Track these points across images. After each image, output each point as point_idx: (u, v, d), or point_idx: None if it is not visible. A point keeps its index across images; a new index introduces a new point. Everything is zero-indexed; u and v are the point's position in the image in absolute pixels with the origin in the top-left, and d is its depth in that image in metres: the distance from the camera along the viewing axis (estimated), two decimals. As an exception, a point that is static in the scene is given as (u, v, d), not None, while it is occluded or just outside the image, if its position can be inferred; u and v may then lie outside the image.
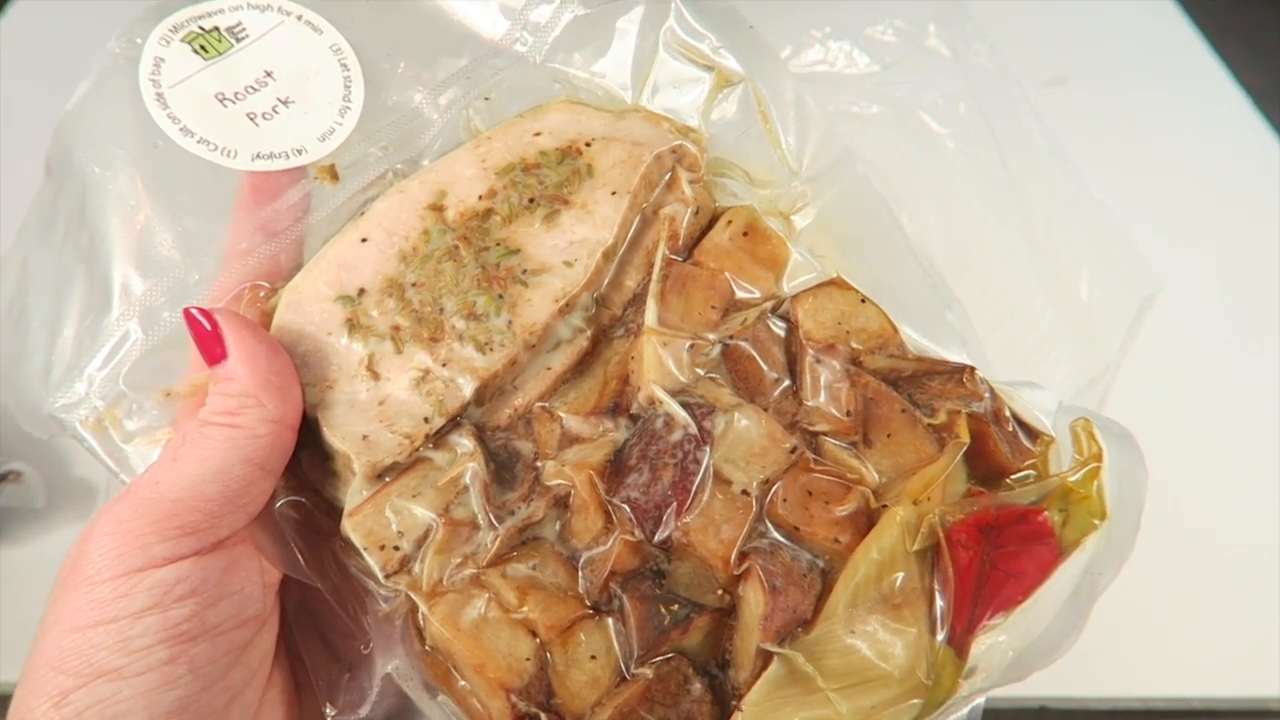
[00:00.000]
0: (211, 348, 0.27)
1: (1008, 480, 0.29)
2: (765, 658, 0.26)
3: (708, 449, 0.28)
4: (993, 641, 0.27)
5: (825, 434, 0.29)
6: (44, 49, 0.88)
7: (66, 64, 0.90)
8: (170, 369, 0.30)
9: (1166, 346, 0.60)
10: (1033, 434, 0.30)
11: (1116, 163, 0.76)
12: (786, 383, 0.30)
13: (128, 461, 0.30)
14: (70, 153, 0.31)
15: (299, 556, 0.29)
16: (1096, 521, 0.28)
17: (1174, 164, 0.80)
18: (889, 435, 0.29)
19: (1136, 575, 0.59)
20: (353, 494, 0.28)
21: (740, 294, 0.31)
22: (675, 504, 0.27)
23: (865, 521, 0.27)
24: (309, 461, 0.29)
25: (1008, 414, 0.30)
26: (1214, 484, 0.60)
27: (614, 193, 0.31)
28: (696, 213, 0.32)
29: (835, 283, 0.31)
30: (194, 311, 0.27)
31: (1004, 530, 0.28)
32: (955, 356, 0.31)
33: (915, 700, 0.27)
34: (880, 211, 0.34)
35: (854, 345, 0.30)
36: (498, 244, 0.30)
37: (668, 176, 0.32)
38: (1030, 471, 0.30)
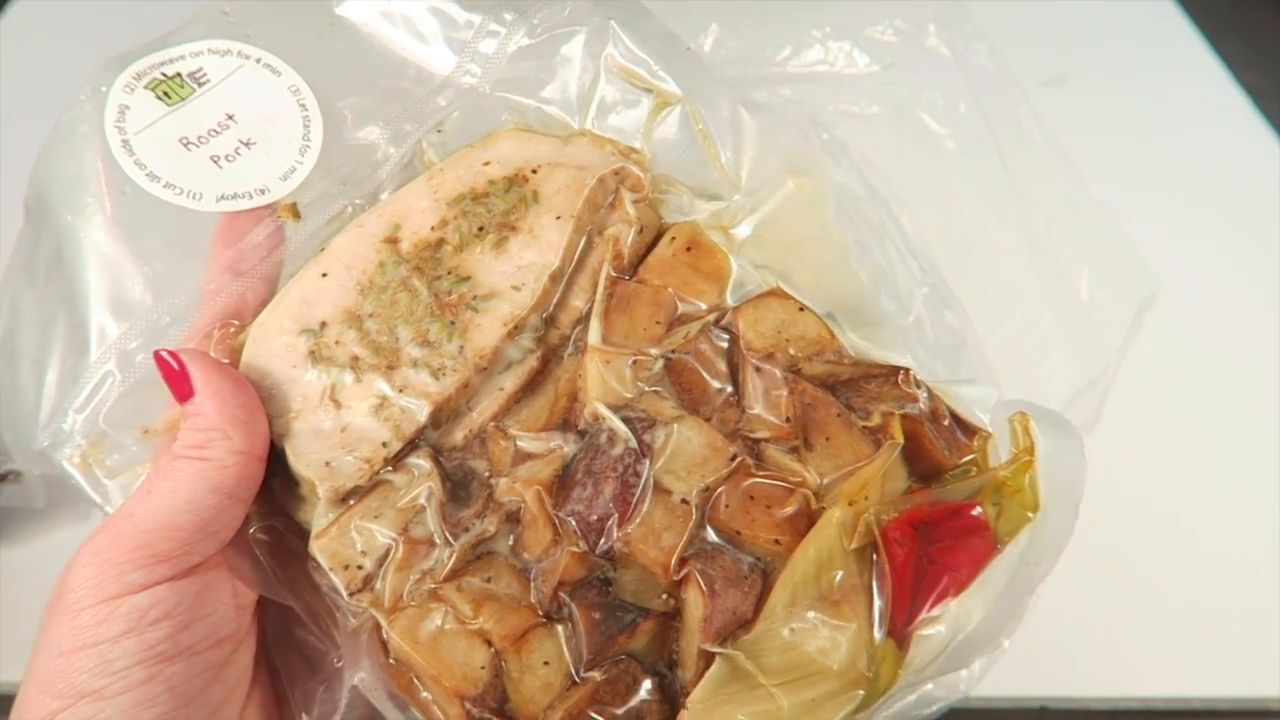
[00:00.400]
0: (180, 386, 0.29)
1: (945, 477, 0.30)
2: (708, 657, 0.27)
3: (647, 462, 0.29)
4: (931, 632, 0.28)
5: (767, 440, 0.30)
6: (44, 49, 0.88)
7: (67, 64, 0.90)
8: (147, 407, 0.31)
9: (1166, 346, 0.60)
10: (970, 430, 0.31)
11: (1116, 162, 0.76)
12: (729, 392, 0.31)
13: (110, 495, 0.32)
14: (44, 198, 0.33)
15: (273, 577, 0.30)
16: (1030, 514, 0.29)
17: (1174, 164, 0.80)
18: (828, 439, 0.30)
19: (1137, 575, 0.60)
20: (318, 517, 0.30)
21: (685, 308, 0.32)
22: (617, 515, 0.28)
23: (806, 523, 0.28)
24: (280, 488, 0.31)
25: (944, 412, 0.31)
26: (1214, 484, 0.60)
27: (558, 217, 0.32)
28: (641, 231, 0.33)
29: (774, 293, 0.32)
30: (163, 353, 0.29)
31: (938, 526, 0.29)
32: (898, 359, 0.32)
33: (857, 691, 0.27)
34: (817, 216, 0.35)
35: (793, 353, 0.31)
36: (449, 272, 0.32)
37: (611, 198, 0.33)
38: (971, 468, 0.30)
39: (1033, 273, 0.59)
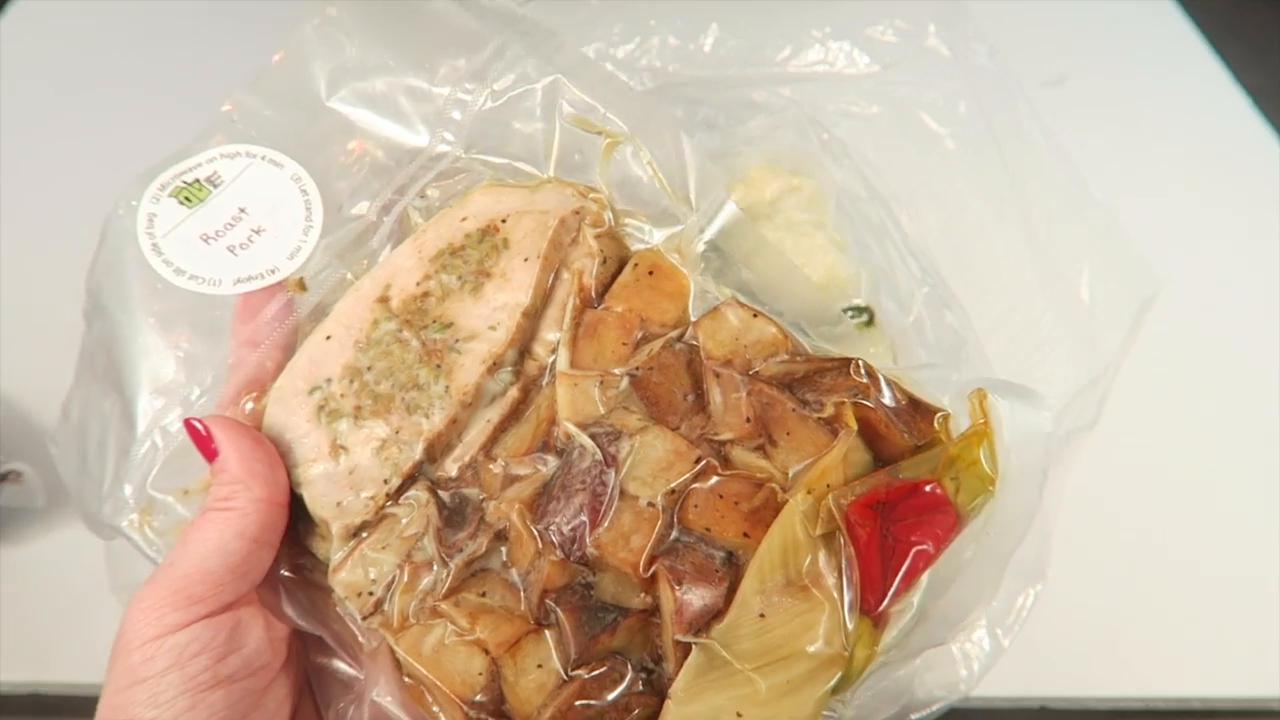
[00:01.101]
0: (206, 448, 0.33)
1: (905, 458, 0.32)
2: (686, 648, 0.29)
3: (613, 471, 0.31)
4: (902, 606, 0.30)
5: (732, 441, 0.32)
6: (44, 49, 0.88)
7: (67, 64, 0.90)
8: (188, 472, 0.36)
9: (1167, 346, 0.60)
10: (929, 412, 0.32)
11: (1116, 162, 0.76)
12: (694, 400, 0.33)
13: (161, 552, 0.36)
14: (96, 302, 0.38)
15: (302, 610, 0.34)
16: (989, 486, 0.30)
17: (1174, 164, 0.80)
18: (788, 434, 0.32)
19: (1137, 575, 0.60)
20: (334, 553, 0.33)
21: (650, 328, 0.35)
22: (588, 523, 0.31)
23: (773, 516, 0.30)
24: (303, 531, 0.34)
25: (900, 396, 0.32)
26: (1214, 483, 0.60)
27: (526, 259, 0.35)
28: (605, 262, 0.36)
29: (730, 303, 0.34)
30: (192, 422, 0.33)
31: (898, 505, 0.30)
32: (852, 353, 0.34)
33: (835, 671, 0.29)
34: (757, 231, 0.38)
35: (750, 357, 0.33)
36: (434, 321, 0.35)
37: (575, 235, 0.37)
38: (931, 447, 0.32)
39: (1033, 272, 0.59)
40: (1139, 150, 0.80)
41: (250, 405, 0.36)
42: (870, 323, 0.55)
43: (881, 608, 0.29)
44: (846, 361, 0.33)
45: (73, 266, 0.40)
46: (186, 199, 0.38)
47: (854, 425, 0.31)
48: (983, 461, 0.30)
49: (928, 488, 0.30)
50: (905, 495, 0.30)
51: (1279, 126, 0.82)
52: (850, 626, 0.29)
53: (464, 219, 0.37)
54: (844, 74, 0.70)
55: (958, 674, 0.48)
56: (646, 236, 0.37)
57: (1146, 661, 0.53)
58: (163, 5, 0.89)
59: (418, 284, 0.36)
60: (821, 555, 0.30)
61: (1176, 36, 0.92)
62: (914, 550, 0.29)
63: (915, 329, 0.57)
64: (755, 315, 0.34)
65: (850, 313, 0.55)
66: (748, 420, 0.32)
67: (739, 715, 0.29)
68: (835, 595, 0.29)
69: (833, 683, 0.29)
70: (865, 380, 0.32)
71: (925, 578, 0.30)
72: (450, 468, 0.34)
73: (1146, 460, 0.61)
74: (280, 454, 0.34)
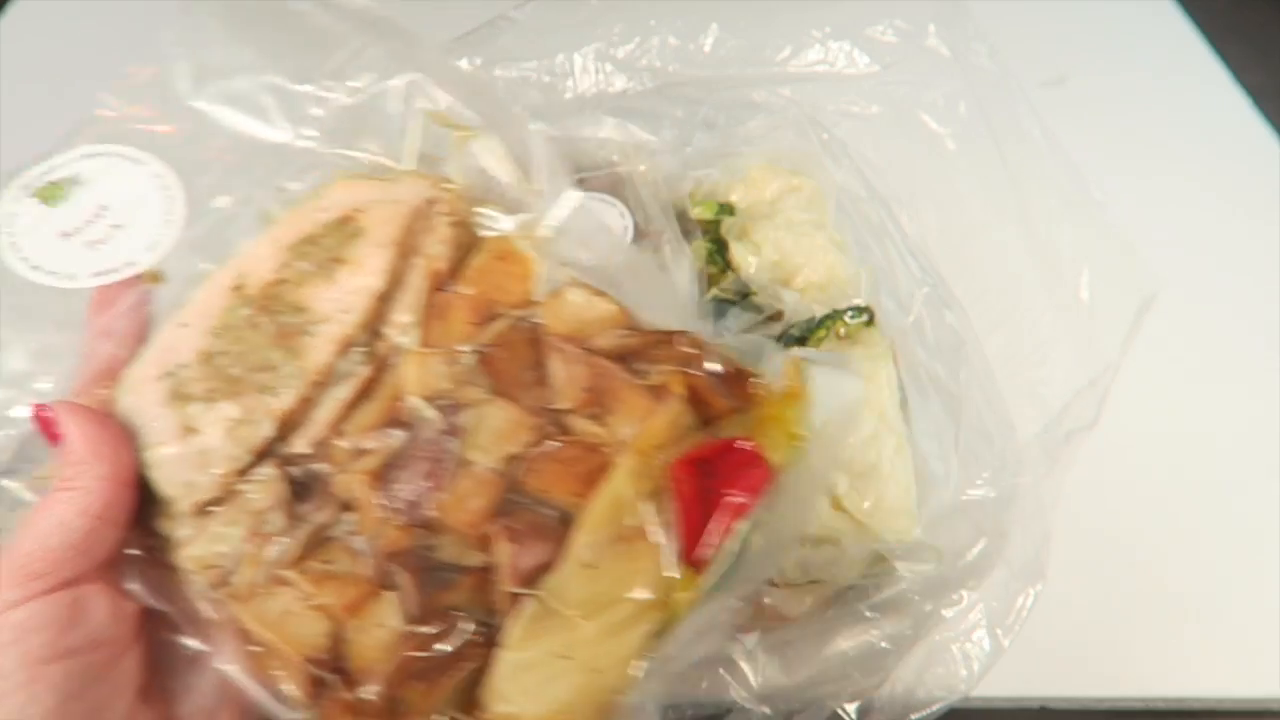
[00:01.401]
0: (52, 432, 0.35)
1: (729, 416, 0.36)
2: (519, 601, 0.33)
3: (455, 440, 0.35)
4: (720, 553, 0.34)
5: (570, 411, 0.36)
6: (44, 49, 0.88)
7: (66, 64, 0.90)
8: (38, 460, 0.37)
9: (1167, 346, 0.60)
10: (747, 376, 0.37)
11: (1116, 162, 0.77)
12: (536, 374, 0.36)
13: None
14: None
15: (150, 588, 0.36)
16: (799, 444, 0.35)
17: (1174, 164, 0.81)
18: (620, 402, 0.35)
19: (1137, 575, 0.60)
20: (183, 529, 0.36)
21: (499, 309, 0.38)
22: (430, 488, 0.34)
23: (605, 477, 0.34)
24: (155, 512, 0.37)
25: (723, 365, 0.36)
26: (1214, 483, 0.61)
27: (379, 245, 0.38)
28: (457, 248, 0.39)
29: (572, 283, 0.38)
30: (38, 407, 0.36)
31: (715, 461, 0.34)
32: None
33: (657, 613, 0.33)
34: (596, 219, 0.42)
35: (589, 332, 0.37)
36: (288, 307, 0.38)
37: (428, 223, 0.39)
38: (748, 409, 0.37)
39: (1032, 272, 0.60)
40: (1139, 150, 0.81)
41: (103, 394, 0.38)
42: (870, 322, 0.55)
43: (701, 555, 0.33)
44: (671, 333, 0.37)
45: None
46: (47, 198, 0.41)
47: (680, 391, 0.36)
48: (793, 421, 0.35)
49: (743, 445, 0.34)
50: (721, 452, 0.34)
51: (1279, 126, 0.82)
52: (672, 574, 0.33)
53: (321, 210, 0.40)
54: (844, 74, 0.71)
55: (958, 674, 0.48)
56: (498, 224, 0.41)
57: (1146, 661, 0.53)
58: (163, 5, 0.89)
59: (273, 272, 0.39)
60: (648, 510, 0.34)
61: (1176, 36, 0.93)
62: (730, 502, 0.33)
63: (915, 329, 0.57)
64: (595, 294, 0.38)
65: (850, 313, 0.55)
66: (584, 391, 0.36)
67: (567, 657, 0.32)
68: (659, 545, 0.33)
69: (656, 625, 0.33)
70: (692, 351, 0.36)
71: (742, 525, 0.34)
72: (301, 444, 0.37)
73: (1146, 460, 0.61)
74: (130, 437, 0.36)
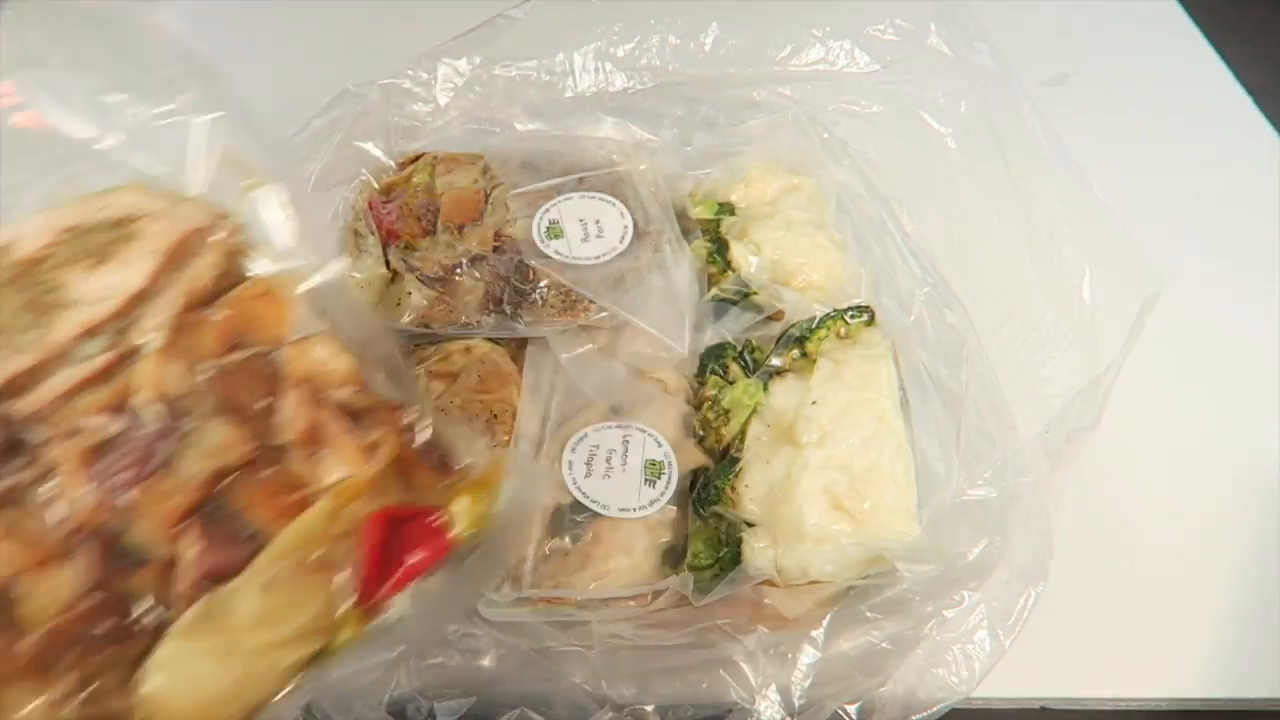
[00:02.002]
0: None
1: (426, 489, 0.40)
2: (193, 599, 0.35)
3: (172, 442, 0.37)
4: (392, 604, 0.37)
5: (289, 446, 0.38)
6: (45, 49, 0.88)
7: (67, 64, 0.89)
8: None
9: (1168, 346, 0.60)
10: (454, 458, 0.41)
11: (1118, 162, 0.77)
12: (266, 405, 0.39)
13: None
14: None
15: None
16: (480, 525, 0.39)
17: (1175, 163, 0.81)
18: (335, 449, 0.38)
19: (1137, 575, 0.59)
20: None
21: (249, 339, 0.41)
22: (134, 478, 0.36)
23: (304, 511, 0.37)
24: None
25: (436, 442, 0.40)
26: (1214, 483, 0.61)
27: (148, 253, 0.41)
28: (222, 275, 0.42)
29: (322, 334, 0.41)
30: None
31: (405, 524, 0.38)
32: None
33: (316, 641, 0.36)
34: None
35: (323, 382, 0.40)
36: (45, 280, 0.40)
37: (202, 247, 0.42)
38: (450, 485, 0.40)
39: (1034, 272, 0.59)
40: (1140, 149, 0.81)
41: None
42: (870, 322, 0.55)
43: (372, 603, 0.37)
44: (396, 405, 0.41)
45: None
46: None
47: (391, 454, 0.39)
48: (482, 506, 0.39)
49: (433, 517, 0.38)
50: (414, 518, 0.38)
51: (1280, 125, 0.82)
52: (341, 612, 0.36)
53: (103, 207, 0.42)
54: (845, 73, 0.71)
55: (958, 674, 0.47)
56: (266, 267, 0.43)
57: (1146, 661, 0.53)
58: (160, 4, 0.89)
59: (42, 247, 0.41)
60: (334, 550, 0.36)
61: (1178, 35, 0.93)
62: (409, 562, 0.37)
63: (916, 328, 0.57)
64: (340, 351, 0.41)
65: (850, 313, 0.55)
66: (305, 431, 0.38)
67: (224, 658, 0.34)
68: (336, 585, 0.36)
69: (312, 650, 0.36)
70: (410, 423, 0.40)
71: (413, 585, 0.38)
72: (26, 406, 0.38)
73: (1148, 460, 0.61)
74: None
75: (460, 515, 0.40)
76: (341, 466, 0.39)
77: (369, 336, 0.44)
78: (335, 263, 0.44)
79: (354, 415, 0.41)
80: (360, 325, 0.44)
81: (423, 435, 0.41)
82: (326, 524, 0.37)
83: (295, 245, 0.43)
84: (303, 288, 0.43)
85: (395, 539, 0.38)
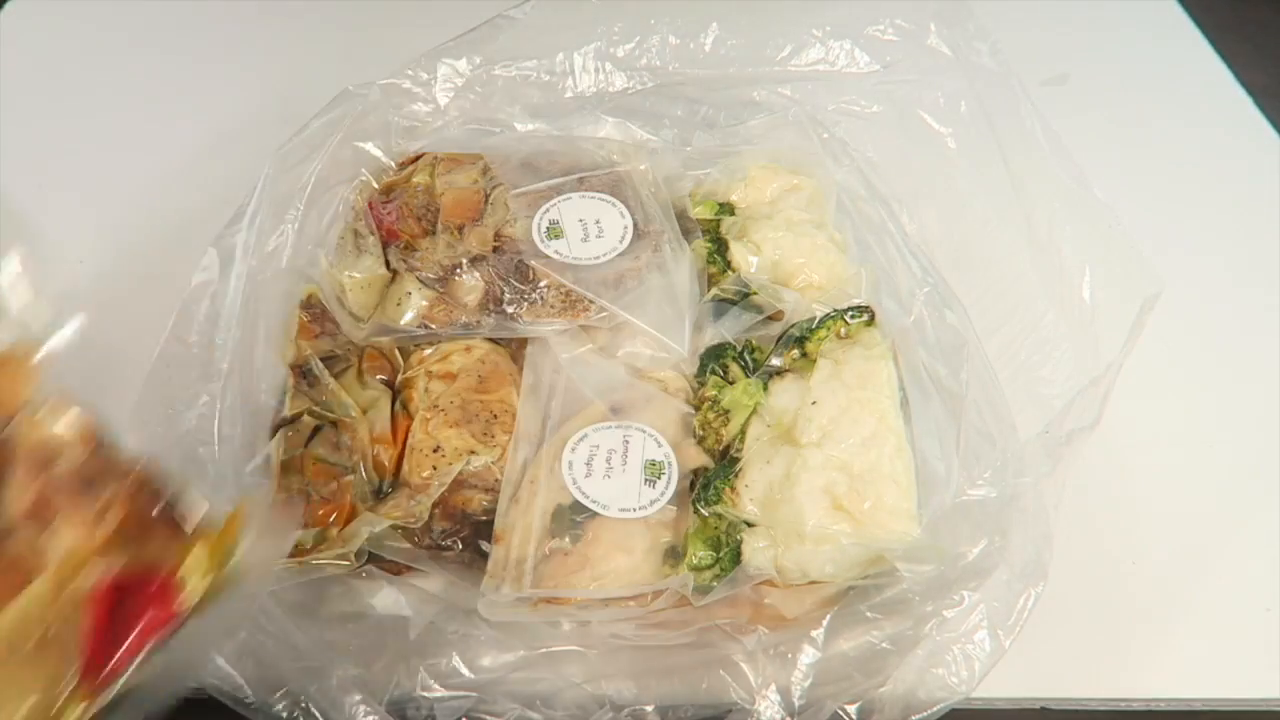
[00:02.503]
0: None
1: (158, 552, 0.39)
2: None
3: None
4: (125, 672, 0.36)
5: (16, 522, 0.37)
6: (44, 49, 0.88)
7: (66, 63, 0.90)
8: None
9: (1169, 346, 0.60)
10: (184, 518, 0.40)
11: (1118, 162, 0.77)
12: None
13: None
14: None
15: None
16: (216, 581, 0.38)
17: (1176, 163, 0.81)
18: (64, 518, 0.37)
19: (1138, 575, 0.59)
20: None
21: None
22: None
23: (25, 588, 0.36)
24: None
25: (162, 498, 0.40)
26: (1215, 484, 0.61)
27: None
28: None
29: (56, 403, 0.40)
30: None
31: (135, 591, 0.37)
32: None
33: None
34: None
35: (54, 450, 0.39)
36: None
37: None
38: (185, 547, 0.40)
39: (1034, 272, 0.60)
40: (1141, 149, 0.82)
41: None
42: (870, 322, 0.55)
43: (101, 675, 0.35)
44: (134, 464, 0.40)
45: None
46: None
47: (119, 516, 0.38)
48: (218, 560, 0.39)
49: (163, 578, 0.37)
50: (143, 582, 0.37)
51: (1280, 125, 0.83)
52: (68, 689, 0.35)
53: None
54: (844, 73, 0.71)
55: (958, 674, 0.47)
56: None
57: (1146, 661, 0.53)
58: (162, 5, 0.89)
59: None
60: (57, 628, 0.35)
61: (1178, 35, 0.93)
62: (139, 628, 0.36)
63: (916, 329, 0.57)
64: (76, 412, 0.40)
65: (850, 313, 0.55)
66: (32, 504, 0.38)
67: None
68: (56, 666, 0.35)
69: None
70: (143, 481, 0.39)
71: (146, 651, 0.37)
72: None
73: (1147, 460, 0.61)
74: None
75: (192, 572, 0.39)
76: (69, 535, 0.37)
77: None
78: (68, 328, 0.43)
79: (87, 479, 0.40)
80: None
81: (156, 492, 0.40)
82: (47, 603, 0.36)
83: (32, 310, 0.42)
84: (40, 355, 0.42)
85: (124, 606, 0.37)
